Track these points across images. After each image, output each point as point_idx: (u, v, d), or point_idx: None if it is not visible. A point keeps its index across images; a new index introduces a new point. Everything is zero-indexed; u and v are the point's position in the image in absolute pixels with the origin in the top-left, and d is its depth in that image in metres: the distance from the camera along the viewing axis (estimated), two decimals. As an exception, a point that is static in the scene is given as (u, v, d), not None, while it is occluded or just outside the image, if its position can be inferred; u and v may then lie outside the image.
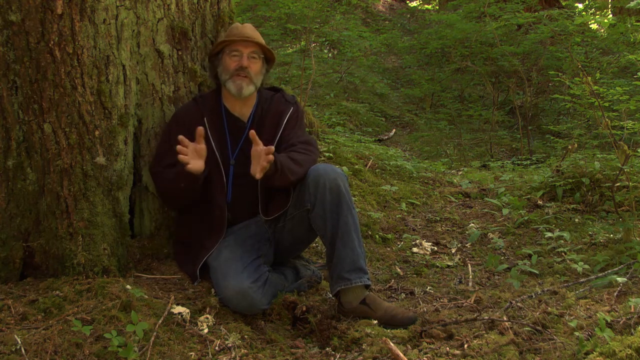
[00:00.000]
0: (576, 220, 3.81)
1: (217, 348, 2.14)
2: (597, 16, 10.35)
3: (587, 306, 2.36)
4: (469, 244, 3.65)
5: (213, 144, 2.63)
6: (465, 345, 2.15)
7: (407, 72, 11.35)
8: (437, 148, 8.02)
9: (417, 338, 2.28)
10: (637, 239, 3.17)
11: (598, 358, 1.82)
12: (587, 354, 1.90)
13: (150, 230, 2.77)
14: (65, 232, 2.42)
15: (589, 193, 4.04)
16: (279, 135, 2.70)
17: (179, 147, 2.42)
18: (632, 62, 6.73)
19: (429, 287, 2.97)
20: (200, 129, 2.47)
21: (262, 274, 2.50)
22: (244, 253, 2.54)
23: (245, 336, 2.26)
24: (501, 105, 9.30)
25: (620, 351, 1.81)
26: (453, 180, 5.27)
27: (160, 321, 2.15)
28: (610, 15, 11.26)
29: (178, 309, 2.29)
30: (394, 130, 8.76)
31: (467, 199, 4.72)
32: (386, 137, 8.37)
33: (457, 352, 2.12)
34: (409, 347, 2.22)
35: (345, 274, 2.50)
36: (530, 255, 3.28)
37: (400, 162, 5.27)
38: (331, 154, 4.69)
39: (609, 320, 2.11)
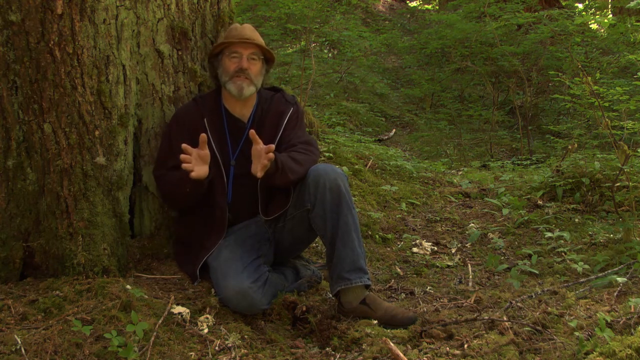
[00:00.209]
0: (576, 220, 3.81)
1: (217, 348, 2.14)
2: (597, 16, 10.35)
3: (587, 306, 2.36)
4: (469, 244, 3.65)
5: (213, 144, 2.63)
6: (465, 345, 2.15)
7: (407, 72, 11.35)
8: (437, 148, 8.02)
9: (417, 338, 2.28)
10: (637, 239, 3.17)
11: (598, 358, 1.82)
12: (587, 354, 1.90)
13: (150, 230, 2.77)
14: (65, 232, 2.42)
15: (589, 193, 4.04)
16: (279, 136, 2.70)
17: (182, 155, 2.42)
18: (632, 62, 6.73)
19: (429, 287, 2.97)
20: (204, 135, 2.47)
21: (262, 274, 2.50)
22: (244, 253, 2.54)
23: (245, 336, 2.26)
24: (501, 105, 9.30)
25: (620, 351, 1.81)
26: (453, 180, 5.27)
27: (160, 321, 2.15)
28: (610, 15, 11.26)
29: (178, 309, 2.29)
30: (394, 130, 8.76)
31: (467, 199, 4.72)
32: (386, 137, 8.37)
33: (457, 352, 2.12)
34: (409, 347, 2.22)
35: (345, 273, 2.51)
36: (530, 255, 3.28)
37: (400, 162, 5.27)
38: (331, 154, 4.69)
39: (609, 320, 2.11)
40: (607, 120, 3.46)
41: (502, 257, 3.42)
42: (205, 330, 2.24)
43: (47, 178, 2.44)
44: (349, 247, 2.51)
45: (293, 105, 2.77)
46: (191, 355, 2.08)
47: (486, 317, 2.33)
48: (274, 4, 7.82)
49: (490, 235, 3.77)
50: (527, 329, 2.22)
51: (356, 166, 4.67)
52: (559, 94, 6.75)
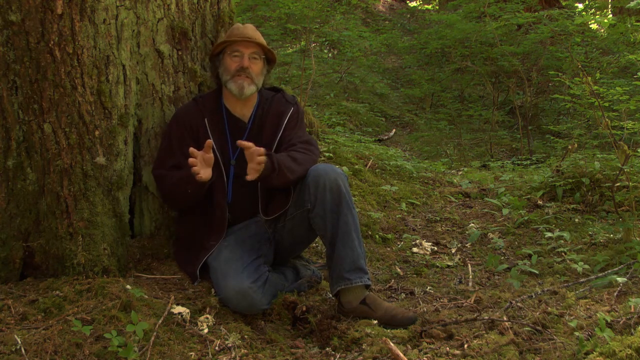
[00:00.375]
0: (576, 220, 3.81)
1: (217, 348, 2.14)
2: (597, 16, 10.35)
3: (587, 306, 2.36)
4: (469, 244, 3.65)
5: (214, 144, 2.63)
6: (465, 345, 2.15)
7: (407, 72, 11.35)
8: (437, 148, 8.02)
9: (417, 338, 2.28)
10: (637, 239, 3.17)
11: (598, 358, 1.82)
12: (587, 354, 1.90)
13: (150, 230, 2.77)
14: (65, 232, 2.42)
15: (589, 193, 4.04)
16: (279, 136, 2.71)
17: (190, 159, 2.43)
18: (632, 62, 6.73)
19: (429, 287, 2.97)
20: (209, 142, 2.48)
21: (262, 274, 2.50)
22: (244, 253, 2.54)
23: (245, 336, 2.26)
24: (501, 105, 9.30)
25: (620, 351, 1.81)
26: (453, 180, 5.27)
27: (160, 321, 2.15)
28: (610, 15, 11.26)
29: (178, 309, 2.29)
30: (394, 130, 8.76)
31: (467, 199, 4.72)
32: (386, 137, 8.38)
33: (457, 352, 2.12)
34: (409, 347, 2.22)
35: (345, 273, 2.51)
36: (530, 255, 3.28)
37: (400, 162, 5.27)
38: (331, 154, 4.69)
39: (609, 320, 2.11)
40: (607, 120, 3.46)
41: (502, 257, 3.42)
42: (205, 330, 2.24)
43: (47, 178, 2.44)
44: (349, 247, 2.51)
45: (293, 106, 2.78)
46: (191, 355, 2.08)
47: (486, 317, 2.33)
48: (274, 4, 7.82)
49: (490, 235, 3.77)
50: (527, 329, 2.22)
51: (356, 166, 4.67)
52: (559, 94, 6.75)
